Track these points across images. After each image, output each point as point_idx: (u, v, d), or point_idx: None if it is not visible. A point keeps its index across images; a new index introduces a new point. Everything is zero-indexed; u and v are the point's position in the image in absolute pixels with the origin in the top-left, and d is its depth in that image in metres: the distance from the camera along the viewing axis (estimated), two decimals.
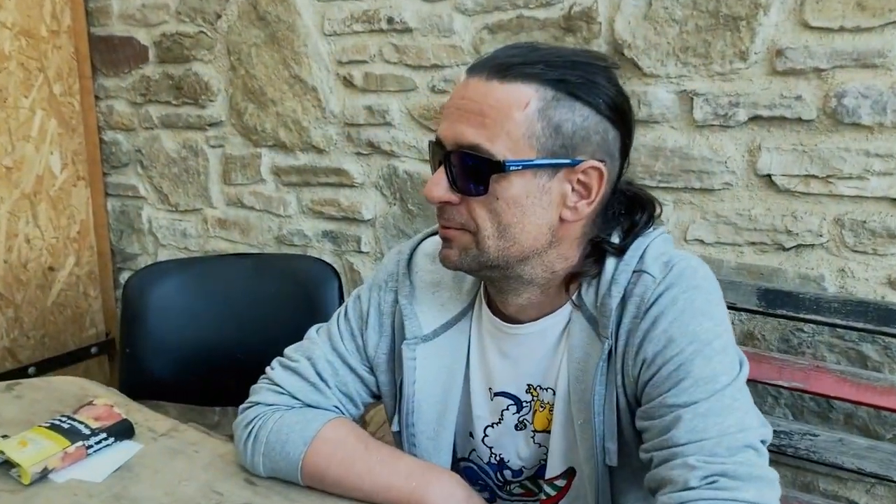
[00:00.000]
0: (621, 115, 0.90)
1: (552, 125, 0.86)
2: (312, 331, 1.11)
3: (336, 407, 1.07)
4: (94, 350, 2.57)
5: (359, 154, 2.04)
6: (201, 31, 2.23)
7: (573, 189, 0.89)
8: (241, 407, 1.08)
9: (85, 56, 2.42)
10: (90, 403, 1.18)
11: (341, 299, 1.78)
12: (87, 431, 1.10)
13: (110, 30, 2.42)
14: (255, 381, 1.10)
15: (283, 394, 1.05)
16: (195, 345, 1.81)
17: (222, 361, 1.81)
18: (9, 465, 1.06)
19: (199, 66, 2.27)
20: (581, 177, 0.88)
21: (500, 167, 0.85)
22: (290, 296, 1.86)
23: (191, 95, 2.30)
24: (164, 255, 2.50)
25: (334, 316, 1.11)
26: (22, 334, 2.35)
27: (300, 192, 2.18)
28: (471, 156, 0.86)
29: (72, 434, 1.09)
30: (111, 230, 2.61)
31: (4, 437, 1.10)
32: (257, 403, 1.06)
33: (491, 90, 0.86)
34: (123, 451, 1.10)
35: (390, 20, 1.90)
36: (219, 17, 2.19)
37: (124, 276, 2.63)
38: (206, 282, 1.89)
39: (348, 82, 2.01)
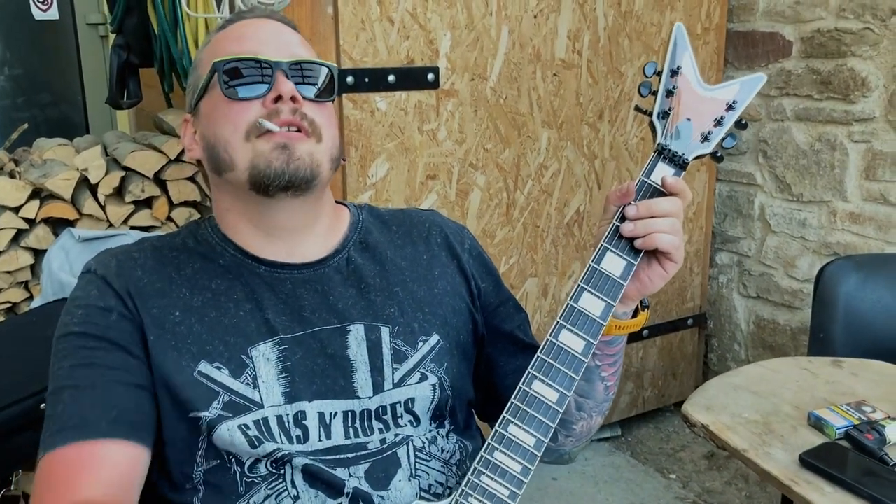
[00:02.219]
0: None
1: None
2: None
3: None
4: (689, 322, 2.80)
5: None
6: (867, 28, 2.25)
7: None
8: None
9: (721, 50, 2.60)
10: None
11: None
12: None
13: (752, 26, 2.56)
14: None
15: None
16: (887, 340, 1.87)
17: None
18: None
19: (855, 61, 2.30)
20: None
21: None
22: None
23: (839, 90, 2.34)
24: (773, 242, 2.62)
25: None
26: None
27: None
28: None
29: None
30: (715, 213, 2.80)
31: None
32: None
33: None
34: None
35: None
36: (894, 13, 2.18)
37: (721, 257, 2.82)
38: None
39: None
